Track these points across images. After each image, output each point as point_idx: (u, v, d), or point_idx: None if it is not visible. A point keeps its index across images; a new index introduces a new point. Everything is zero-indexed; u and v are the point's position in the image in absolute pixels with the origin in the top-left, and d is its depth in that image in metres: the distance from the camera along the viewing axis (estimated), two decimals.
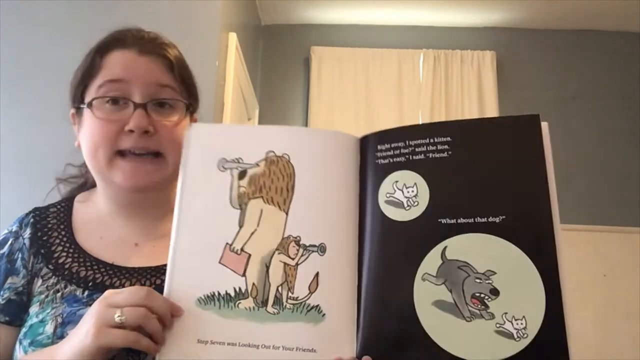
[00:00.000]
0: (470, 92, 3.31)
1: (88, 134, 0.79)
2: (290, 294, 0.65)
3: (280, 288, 0.65)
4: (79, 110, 0.82)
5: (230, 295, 0.65)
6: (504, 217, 0.62)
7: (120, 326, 0.61)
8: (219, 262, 0.67)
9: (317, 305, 0.64)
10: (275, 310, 0.64)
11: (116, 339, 0.61)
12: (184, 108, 0.82)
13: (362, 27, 3.48)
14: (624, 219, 3.16)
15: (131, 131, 0.76)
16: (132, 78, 0.78)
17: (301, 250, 0.66)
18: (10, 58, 1.98)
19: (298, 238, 0.67)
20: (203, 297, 0.65)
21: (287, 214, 0.68)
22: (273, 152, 0.70)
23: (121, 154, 0.78)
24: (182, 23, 2.02)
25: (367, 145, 0.70)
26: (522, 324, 0.58)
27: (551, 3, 3.17)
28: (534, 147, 0.65)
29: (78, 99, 0.82)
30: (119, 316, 0.61)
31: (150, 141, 0.78)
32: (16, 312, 0.78)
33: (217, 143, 0.72)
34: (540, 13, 3.28)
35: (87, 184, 0.91)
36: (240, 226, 0.68)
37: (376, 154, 0.68)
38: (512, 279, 0.60)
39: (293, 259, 0.66)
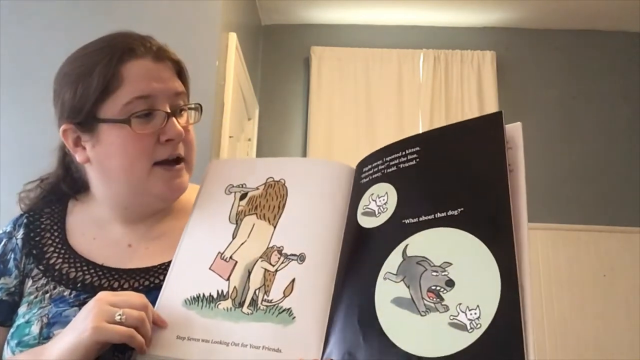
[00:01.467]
0: (470, 92, 3.31)
1: (120, 150, 0.77)
2: (265, 297, 0.69)
3: (257, 291, 0.70)
4: (87, 126, 0.79)
5: (212, 297, 0.70)
6: (462, 209, 0.62)
7: (119, 324, 0.64)
8: (209, 268, 0.73)
9: (289, 309, 0.67)
10: (250, 311, 0.68)
11: (115, 335, 0.64)
12: (196, 110, 0.85)
13: (362, 27, 3.48)
14: (624, 219, 3.16)
15: (167, 141, 0.78)
16: (156, 89, 0.78)
17: (282, 258, 0.71)
18: (10, 58, 1.98)
19: (281, 248, 0.72)
20: (189, 298, 0.71)
21: (275, 227, 0.75)
22: (272, 177, 0.79)
23: (157, 164, 0.79)
24: (182, 23, 2.02)
25: (357, 170, 0.76)
26: (475, 313, 0.55)
27: (551, 3, 3.17)
28: (494, 142, 0.64)
29: (90, 114, 0.78)
30: (119, 315, 0.64)
31: (180, 147, 0.81)
32: (8, 312, 0.79)
33: (228, 172, 0.82)
34: (540, 13, 3.29)
35: (50, 193, 0.90)
36: (233, 238, 0.75)
37: (361, 175, 0.75)
38: (468, 268, 0.59)
39: (273, 265, 0.71)
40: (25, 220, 0.85)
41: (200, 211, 0.79)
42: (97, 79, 0.77)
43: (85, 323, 0.64)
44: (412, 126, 3.29)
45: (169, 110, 0.79)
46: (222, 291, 0.70)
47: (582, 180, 3.23)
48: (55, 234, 0.83)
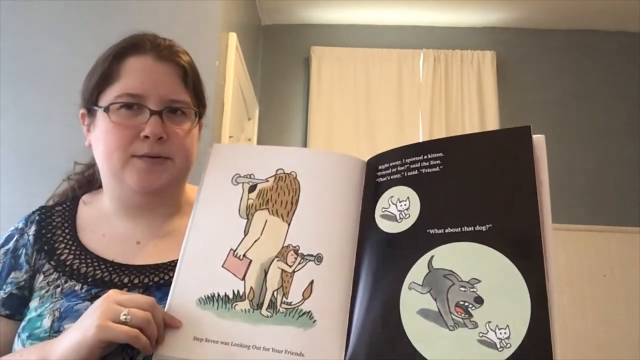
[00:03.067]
0: (470, 92, 3.31)
1: (102, 138, 0.81)
2: (284, 299, 0.67)
3: (275, 293, 0.68)
4: (91, 112, 0.84)
5: (228, 297, 0.68)
6: (490, 225, 0.62)
7: (124, 323, 0.64)
8: (222, 266, 0.71)
9: (309, 312, 0.66)
10: (269, 314, 0.67)
11: (119, 335, 0.64)
12: (194, 116, 0.85)
13: (362, 27, 3.48)
14: (624, 219, 3.16)
15: (146, 137, 0.79)
16: (149, 88, 0.80)
17: (299, 258, 0.70)
18: (10, 58, 1.98)
19: (297, 247, 0.70)
20: (203, 297, 0.68)
21: (289, 225, 0.72)
22: (282, 169, 0.76)
23: (135, 157, 0.80)
24: (182, 23, 2.02)
25: (370, 167, 0.74)
26: (505, 333, 0.56)
27: (551, 3, 3.17)
28: (523, 158, 0.64)
29: (92, 101, 0.83)
30: (124, 315, 0.64)
31: (163, 147, 0.80)
32: (17, 306, 0.80)
33: (233, 160, 0.78)
34: (540, 13, 3.29)
35: (95, 182, 0.93)
36: (245, 234, 0.72)
37: (377, 173, 0.72)
38: (497, 287, 0.59)
39: (290, 266, 0.69)
40: (37, 217, 0.87)
41: (206, 201, 0.76)
42: (99, 70, 0.83)
43: (90, 321, 0.65)
44: (412, 126, 3.29)
45: (154, 109, 0.80)
46: (238, 291, 0.68)
47: (582, 180, 3.23)
48: (66, 231, 0.85)
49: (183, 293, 0.69)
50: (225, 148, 0.81)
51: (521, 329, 0.56)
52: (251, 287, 0.69)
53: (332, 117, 3.31)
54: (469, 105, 3.29)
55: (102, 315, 0.65)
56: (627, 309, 3.03)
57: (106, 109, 0.80)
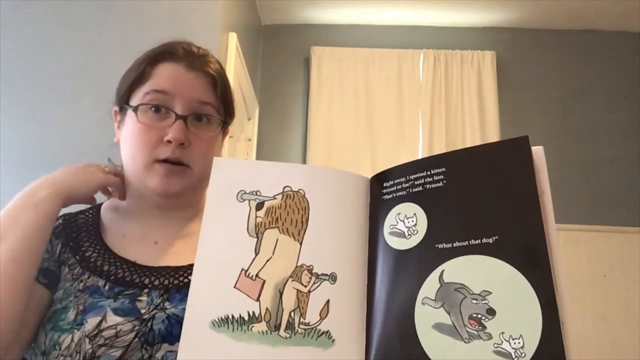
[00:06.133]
0: (470, 92, 3.31)
1: (129, 138, 0.85)
2: (302, 320, 0.67)
3: (292, 313, 0.68)
4: (122, 110, 0.89)
5: (243, 319, 0.67)
6: (496, 237, 0.63)
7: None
8: (234, 287, 0.69)
9: (327, 331, 0.66)
10: (287, 335, 0.66)
11: (109, 179, 0.82)
12: (219, 125, 0.88)
13: (362, 27, 3.48)
14: (624, 219, 3.16)
15: (169, 141, 0.82)
16: (177, 91, 0.84)
17: (313, 278, 0.69)
18: (10, 58, 1.98)
19: (311, 267, 0.70)
20: (217, 320, 0.67)
21: (301, 244, 0.71)
22: (289, 187, 0.74)
23: (158, 161, 0.84)
24: (182, 23, 2.02)
25: (375, 184, 0.75)
26: (519, 342, 0.57)
27: (551, 3, 3.17)
28: (523, 168, 0.65)
29: (124, 100, 0.88)
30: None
31: (184, 153, 0.84)
32: (52, 278, 0.83)
33: (237, 176, 0.76)
34: (540, 13, 3.29)
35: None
36: (256, 253, 0.71)
37: (382, 191, 0.73)
38: (508, 298, 0.60)
39: (306, 286, 0.69)
40: (61, 221, 0.89)
41: (211, 219, 0.74)
42: (133, 71, 0.88)
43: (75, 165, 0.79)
44: (412, 126, 3.29)
45: (180, 113, 0.83)
46: (254, 313, 0.67)
47: (582, 180, 3.23)
48: (92, 232, 0.88)
49: (196, 316, 0.68)
50: (226, 163, 0.79)
51: (534, 337, 0.57)
52: (267, 308, 0.68)
53: (332, 117, 3.31)
54: (469, 105, 3.29)
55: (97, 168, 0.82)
56: (627, 309, 3.03)
57: (135, 109, 0.84)
